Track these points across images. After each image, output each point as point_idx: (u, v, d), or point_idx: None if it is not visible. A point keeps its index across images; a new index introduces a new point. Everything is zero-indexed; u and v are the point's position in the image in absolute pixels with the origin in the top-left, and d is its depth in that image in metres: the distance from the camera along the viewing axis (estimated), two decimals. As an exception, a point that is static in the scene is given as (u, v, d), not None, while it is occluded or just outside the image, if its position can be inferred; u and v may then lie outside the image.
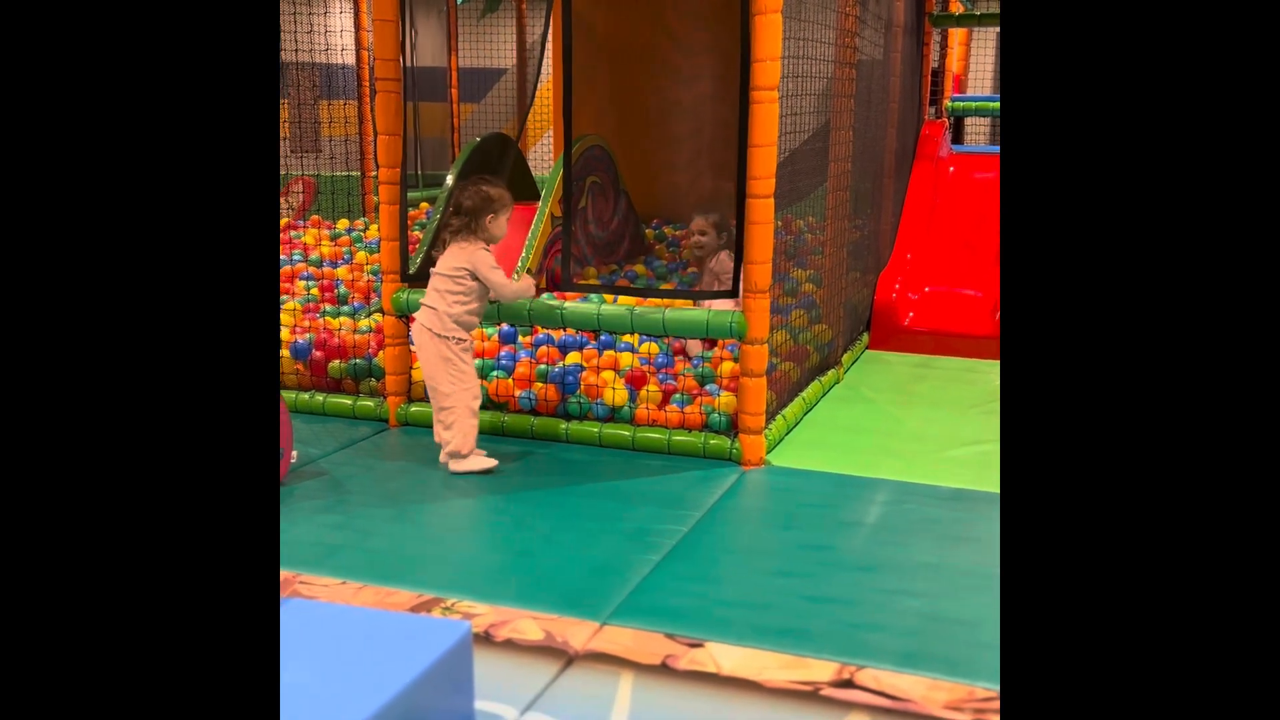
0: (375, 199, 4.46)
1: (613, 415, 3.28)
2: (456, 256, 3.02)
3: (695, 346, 3.65)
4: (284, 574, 2.30)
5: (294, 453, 2.93)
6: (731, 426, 3.17)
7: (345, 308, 4.31)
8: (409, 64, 3.56)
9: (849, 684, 1.85)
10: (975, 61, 9.53)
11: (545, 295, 3.79)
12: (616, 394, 3.28)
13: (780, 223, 3.22)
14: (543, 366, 3.45)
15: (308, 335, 3.79)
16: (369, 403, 3.52)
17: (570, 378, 3.38)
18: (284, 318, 4.11)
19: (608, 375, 3.36)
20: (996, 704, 1.76)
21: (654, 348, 3.60)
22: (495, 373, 3.47)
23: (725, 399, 3.21)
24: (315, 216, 6.43)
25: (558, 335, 3.71)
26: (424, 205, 6.33)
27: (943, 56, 6.62)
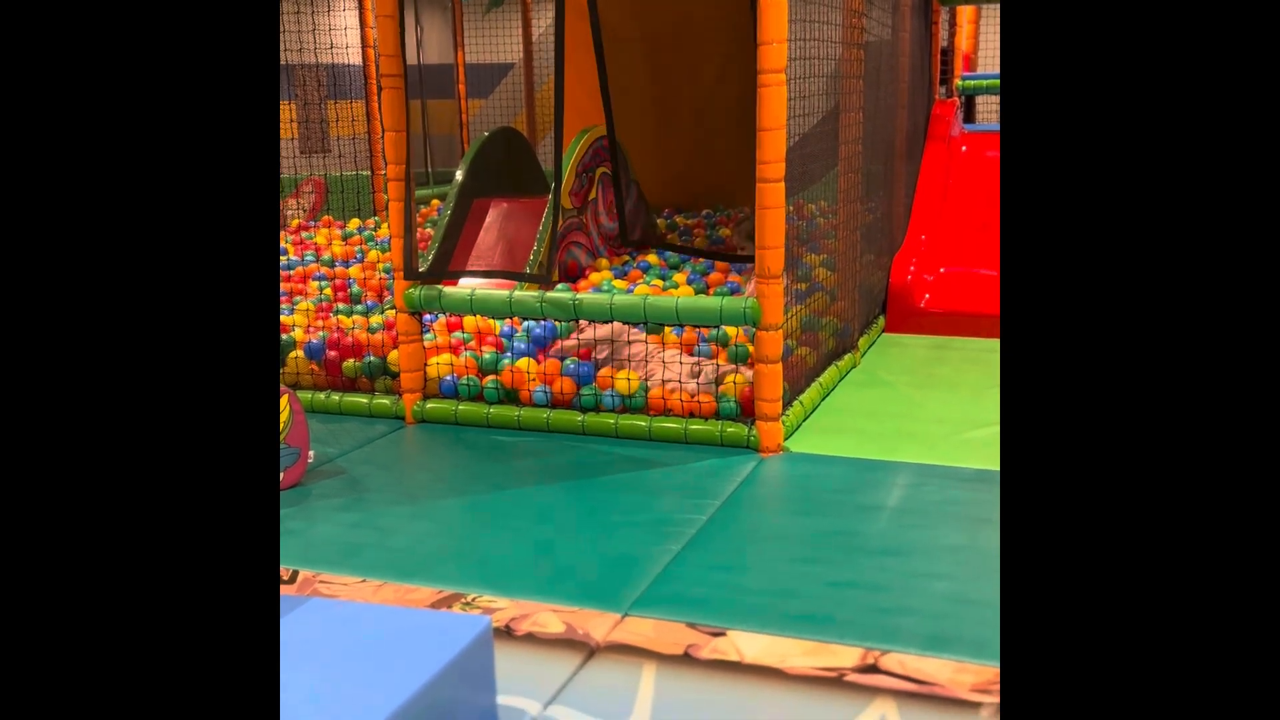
0: (385, 197, 4.46)
1: (624, 405, 3.26)
2: None
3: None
4: (304, 574, 2.30)
5: (311, 453, 2.93)
6: (743, 412, 3.15)
7: (359, 306, 4.32)
8: (418, 61, 3.55)
9: (874, 669, 1.83)
10: (985, 40, 9.46)
11: (560, 286, 3.78)
12: (631, 383, 3.26)
13: (792, 207, 3.20)
14: (568, 361, 3.43)
15: (320, 334, 3.79)
16: (385, 401, 3.52)
17: (584, 368, 3.37)
18: (298, 318, 4.12)
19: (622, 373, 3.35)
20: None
21: (671, 336, 3.59)
22: (504, 360, 3.46)
23: (737, 379, 3.19)
24: (327, 217, 6.45)
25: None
26: (435, 202, 6.34)
27: (952, 35, 6.56)
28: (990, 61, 9.57)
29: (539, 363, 3.47)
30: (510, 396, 3.41)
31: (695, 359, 3.40)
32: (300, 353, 3.72)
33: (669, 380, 3.27)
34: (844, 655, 1.88)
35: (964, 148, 5.61)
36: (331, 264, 5.09)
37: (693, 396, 3.20)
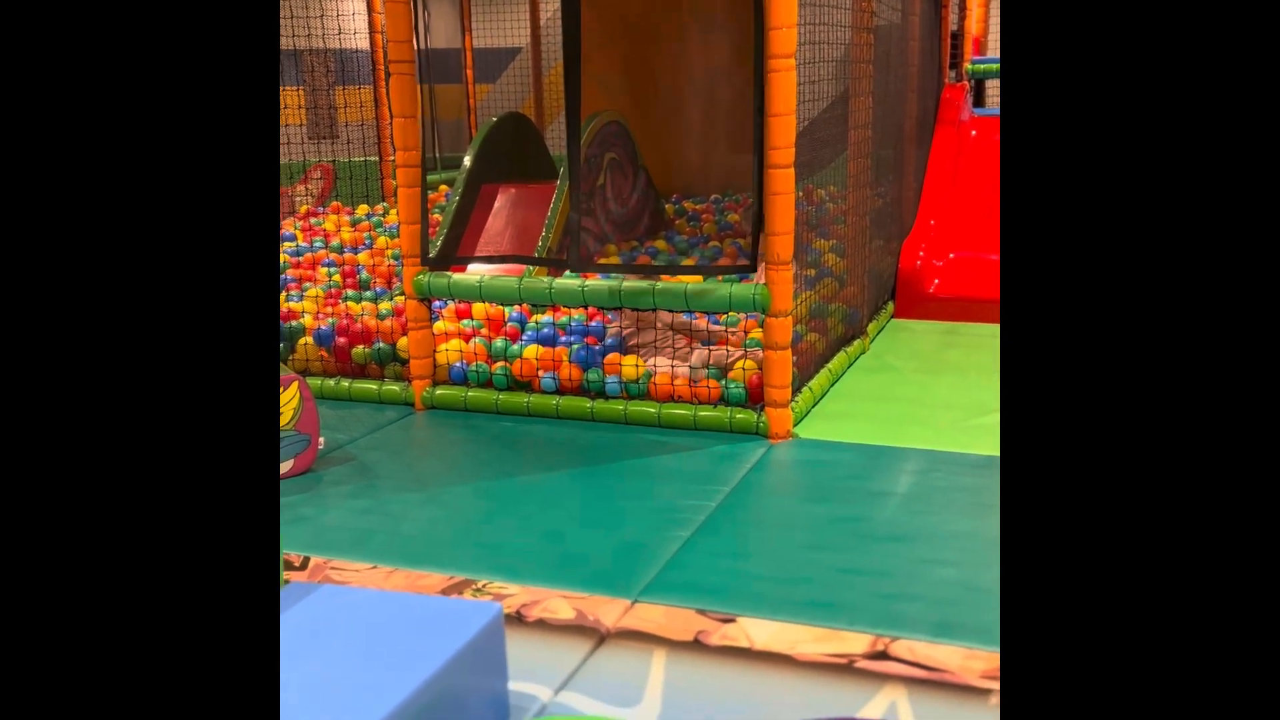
0: (394, 183, 4.46)
1: (626, 391, 3.26)
2: None
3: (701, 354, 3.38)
4: (315, 560, 2.31)
5: (321, 439, 2.94)
6: (752, 399, 3.15)
7: (368, 293, 4.32)
8: (424, 46, 3.53)
9: (883, 655, 1.84)
10: (995, 24, 9.39)
11: (566, 273, 3.77)
12: (638, 369, 3.26)
13: (801, 193, 3.19)
14: (573, 347, 3.44)
15: (330, 320, 3.80)
16: (394, 387, 3.53)
17: (586, 352, 3.37)
18: (307, 304, 4.12)
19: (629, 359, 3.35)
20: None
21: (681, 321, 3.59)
22: (515, 349, 3.46)
23: (745, 365, 3.19)
24: (335, 203, 6.44)
25: (589, 321, 3.70)
26: (443, 188, 6.33)
27: (961, 19, 6.52)
28: (1000, 46, 9.50)
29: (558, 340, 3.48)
30: (520, 385, 3.41)
31: (704, 347, 3.40)
32: (309, 339, 3.72)
33: (665, 366, 3.27)
34: (854, 642, 1.88)
35: (974, 132, 5.59)
36: (340, 250, 5.09)
37: (693, 384, 3.20)
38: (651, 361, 3.33)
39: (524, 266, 4.10)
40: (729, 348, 3.37)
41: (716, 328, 3.54)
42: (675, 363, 3.29)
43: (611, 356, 3.34)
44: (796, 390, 3.19)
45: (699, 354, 3.34)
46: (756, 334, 3.43)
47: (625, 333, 3.44)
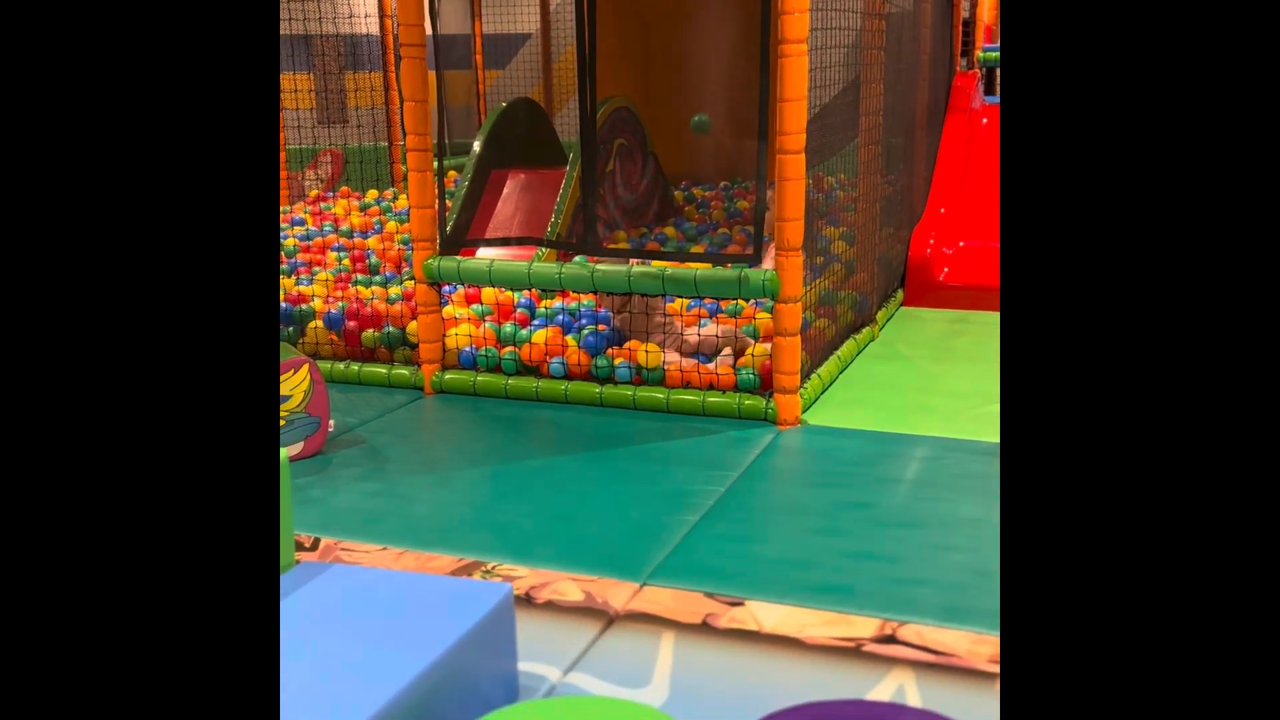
0: (404, 168, 4.46)
1: (639, 376, 3.26)
2: None
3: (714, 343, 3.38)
4: (325, 541, 2.32)
5: (331, 422, 2.95)
6: (762, 385, 3.15)
7: (377, 277, 4.33)
8: (434, 31, 3.53)
9: (891, 639, 1.84)
10: (1007, 11, 9.33)
11: (576, 259, 3.78)
12: (650, 356, 3.26)
13: (811, 180, 3.18)
14: (575, 332, 3.44)
15: (339, 304, 3.81)
16: (404, 371, 3.54)
17: (594, 338, 3.37)
18: (316, 288, 4.13)
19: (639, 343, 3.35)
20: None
21: (685, 313, 3.59)
22: (526, 333, 3.47)
23: (758, 350, 3.19)
24: (345, 188, 6.44)
25: (598, 308, 3.70)
26: (452, 174, 6.33)
27: (973, 6, 6.48)
28: (1012, 33, 9.44)
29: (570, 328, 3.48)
30: (528, 369, 3.42)
31: (714, 333, 3.40)
32: (319, 323, 3.73)
33: (673, 361, 3.26)
34: (862, 626, 1.89)
35: (984, 120, 5.56)
36: (350, 235, 5.10)
37: (711, 372, 3.20)
38: (661, 343, 3.33)
39: (533, 251, 4.10)
40: (736, 330, 3.37)
41: (723, 315, 3.54)
42: (684, 360, 3.28)
43: (630, 343, 3.34)
44: (805, 377, 3.19)
45: (706, 337, 3.33)
46: (764, 317, 3.42)
47: (616, 324, 3.45)
